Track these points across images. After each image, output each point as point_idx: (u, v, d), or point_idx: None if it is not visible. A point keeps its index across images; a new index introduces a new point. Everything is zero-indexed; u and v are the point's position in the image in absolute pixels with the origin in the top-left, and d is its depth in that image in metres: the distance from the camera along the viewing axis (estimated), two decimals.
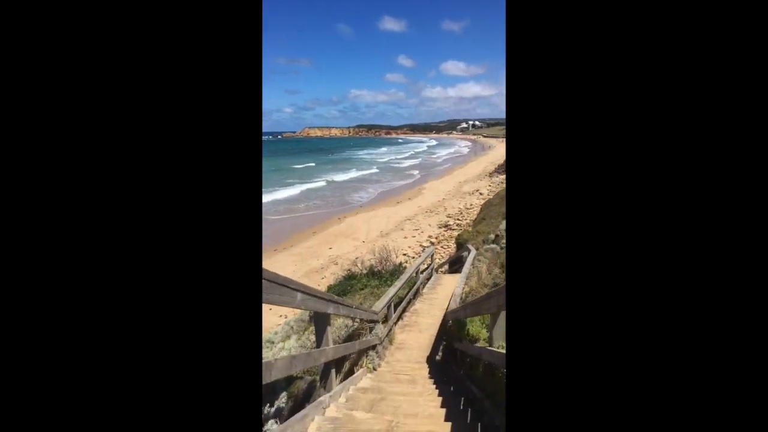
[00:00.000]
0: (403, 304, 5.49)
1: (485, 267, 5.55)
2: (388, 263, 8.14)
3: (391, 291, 4.67)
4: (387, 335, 4.35)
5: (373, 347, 3.71)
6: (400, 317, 5.35)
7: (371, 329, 3.84)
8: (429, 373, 3.49)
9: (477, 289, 4.37)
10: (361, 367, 3.26)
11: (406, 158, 54.07)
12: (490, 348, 2.01)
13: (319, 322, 2.02)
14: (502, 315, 1.91)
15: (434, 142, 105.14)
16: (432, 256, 8.56)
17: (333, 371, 2.17)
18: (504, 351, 1.85)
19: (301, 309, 2.70)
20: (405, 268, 8.27)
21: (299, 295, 1.54)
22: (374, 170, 39.06)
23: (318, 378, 2.27)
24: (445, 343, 4.37)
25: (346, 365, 3.07)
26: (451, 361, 3.71)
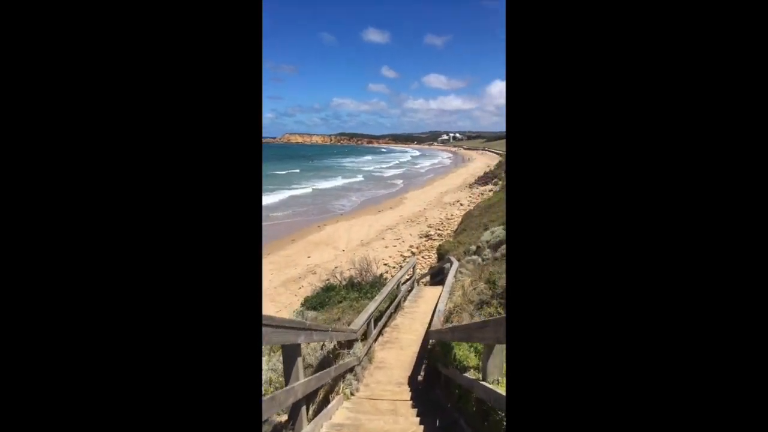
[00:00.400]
0: (384, 319, 5.21)
1: (469, 281, 5.34)
2: (368, 274, 7.86)
3: (371, 306, 4.38)
4: (366, 353, 4.05)
5: (351, 369, 3.41)
6: (380, 333, 5.06)
7: (349, 349, 3.54)
8: (411, 398, 3.20)
9: (462, 305, 4.14)
10: (338, 393, 2.94)
11: (390, 167, 54.18)
12: (483, 383, 1.76)
13: (288, 355, 1.72)
14: (499, 348, 1.67)
15: (417, 153, 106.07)
16: (414, 267, 8.34)
17: (303, 409, 1.86)
18: (501, 389, 1.61)
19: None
20: (386, 279, 8.01)
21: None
22: (359, 178, 38.93)
23: (286, 418, 1.95)
24: (427, 362, 4.11)
25: (321, 393, 2.75)
26: (435, 385, 3.45)
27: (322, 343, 3.75)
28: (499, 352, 1.69)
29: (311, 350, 3.64)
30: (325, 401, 2.79)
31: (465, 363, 2.47)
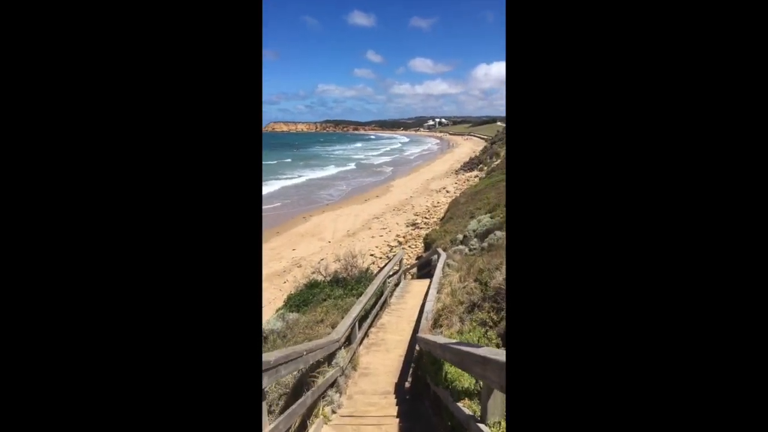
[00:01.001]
0: (370, 319, 4.93)
1: (457, 277, 5.09)
2: (353, 269, 7.56)
3: (355, 309, 4.08)
4: (350, 360, 3.77)
5: (333, 383, 3.12)
6: (366, 334, 4.79)
7: (331, 361, 3.24)
8: (399, 414, 2.94)
9: (451, 306, 3.88)
10: (317, 416, 2.65)
11: (380, 155, 53.45)
12: (482, 426, 1.48)
13: None
14: (498, 394, 1.38)
15: (406, 139, 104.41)
16: (401, 261, 8.08)
17: None
18: None
19: None
20: (372, 273, 7.74)
21: None
22: (351, 167, 38.21)
23: None
24: (414, 367, 3.85)
25: (297, 420, 2.45)
26: (423, 395, 3.20)
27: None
28: (501, 398, 1.40)
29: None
30: (302, 427, 2.49)
31: (457, 384, 2.20)
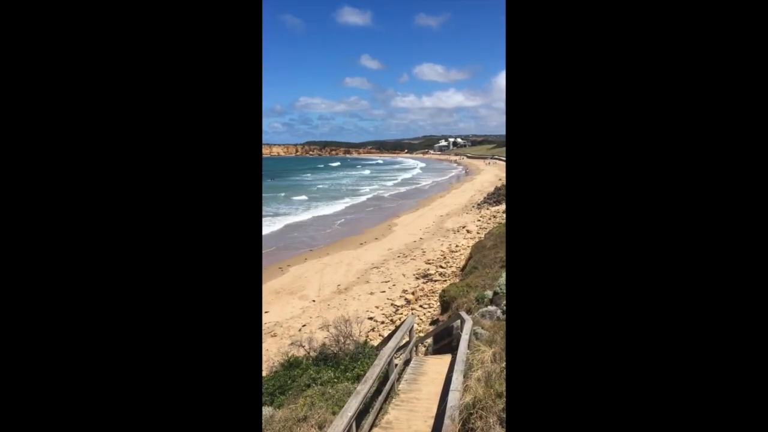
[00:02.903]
0: (371, 415, 4.62)
1: (490, 354, 4.83)
2: (347, 341, 7.29)
3: (353, 404, 3.82)
4: None
5: None
6: None
7: None
8: None
9: (485, 400, 3.61)
10: None
11: (382, 185, 54.76)
12: None
13: None
14: None
15: (422, 164, 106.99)
16: (411, 328, 7.81)
17: None
18: None
19: None
20: (372, 346, 7.45)
21: None
22: (345, 201, 38.89)
23: None
24: None
25: None
26: None
27: None
28: None
29: None
30: None
31: None
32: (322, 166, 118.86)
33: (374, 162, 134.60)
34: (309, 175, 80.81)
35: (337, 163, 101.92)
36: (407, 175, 68.14)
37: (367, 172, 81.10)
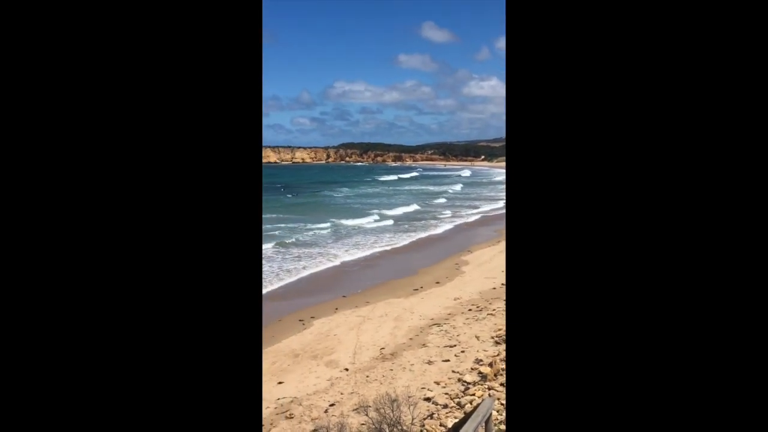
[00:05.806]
0: None
1: None
2: (394, 429, 6.31)
3: None
4: None
5: None
6: None
7: None
8: None
9: None
10: None
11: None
12: None
13: None
14: None
15: (501, 176, 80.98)
16: (489, 420, 5.69)
17: None
18: None
19: None
20: None
21: None
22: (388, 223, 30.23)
23: None
24: None
25: None
26: None
27: None
28: None
29: None
30: None
31: None
32: (370, 179, 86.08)
33: (445, 174, 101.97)
34: (346, 189, 63.96)
35: (393, 177, 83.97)
36: (487, 191, 52.72)
37: (433, 188, 60.85)
